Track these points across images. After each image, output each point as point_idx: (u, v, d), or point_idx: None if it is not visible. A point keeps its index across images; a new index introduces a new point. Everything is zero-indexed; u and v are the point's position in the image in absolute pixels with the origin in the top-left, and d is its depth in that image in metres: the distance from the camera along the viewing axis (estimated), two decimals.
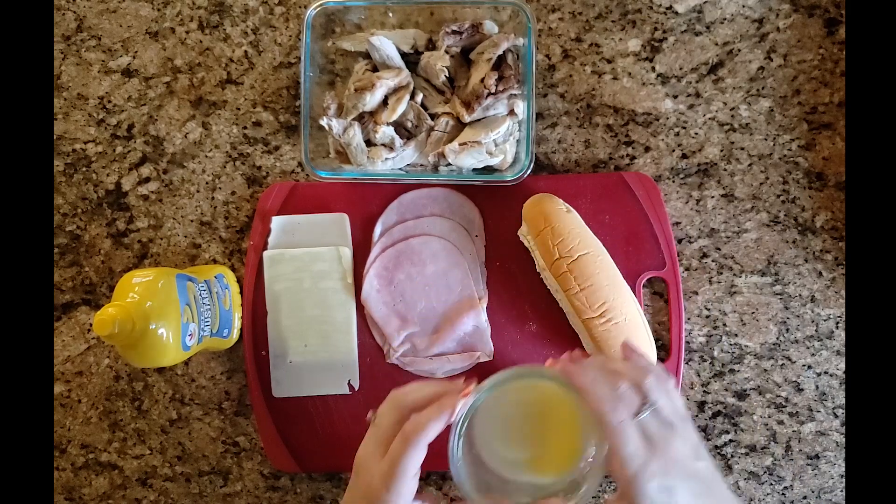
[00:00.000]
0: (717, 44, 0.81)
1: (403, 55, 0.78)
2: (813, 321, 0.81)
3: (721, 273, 0.81)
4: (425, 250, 0.81)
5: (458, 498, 0.50)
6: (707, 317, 0.81)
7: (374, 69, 0.78)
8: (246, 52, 0.84)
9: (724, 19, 0.81)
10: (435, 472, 0.82)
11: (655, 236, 0.80)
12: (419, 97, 0.78)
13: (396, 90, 0.77)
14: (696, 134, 0.81)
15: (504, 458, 0.54)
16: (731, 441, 0.81)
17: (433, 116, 0.78)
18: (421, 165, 0.79)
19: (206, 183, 0.84)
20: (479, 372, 0.80)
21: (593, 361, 0.52)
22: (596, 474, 0.50)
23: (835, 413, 0.81)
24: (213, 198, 0.84)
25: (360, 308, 0.82)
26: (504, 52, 0.75)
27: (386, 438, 0.51)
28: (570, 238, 0.73)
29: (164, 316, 0.67)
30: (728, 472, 0.81)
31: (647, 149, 0.82)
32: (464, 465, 0.51)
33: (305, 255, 0.82)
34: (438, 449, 0.51)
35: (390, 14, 0.78)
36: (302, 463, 0.82)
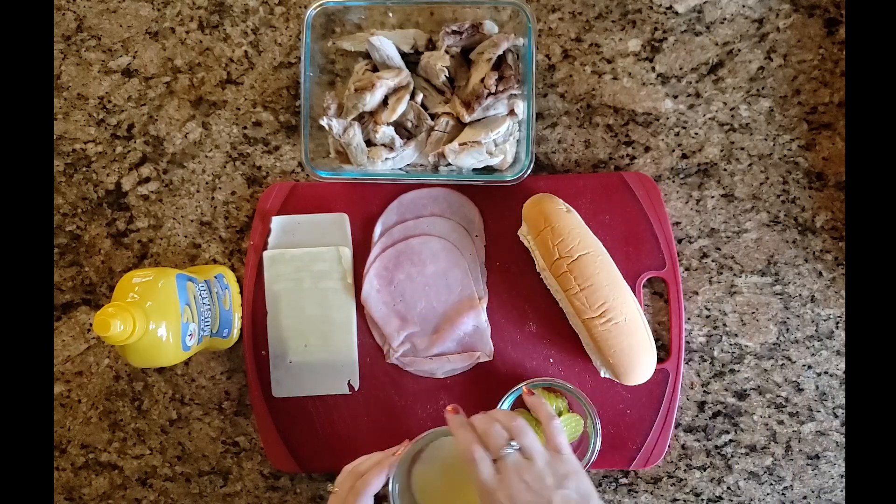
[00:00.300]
0: (717, 44, 0.81)
1: (403, 55, 0.78)
2: (813, 321, 0.81)
3: (721, 273, 0.81)
4: (425, 250, 0.81)
5: None
6: (707, 317, 0.81)
7: (374, 69, 0.78)
8: (246, 52, 0.84)
9: (724, 19, 0.81)
10: None
11: (655, 236, 0.80)
12: (419, 97, 0.78)
13: (396, 90, 0.77)
14: (696, 134, 0.81)
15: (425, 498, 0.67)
16: (731, 441, 0.81)
17: (433, 116, 0.78)
18: (421, 165, 0.79)
19: (206, 183, 0.84)
20: (480, 372, 0.80)
21: (476, 417, 0.63)
22: None
23: (835, 413, 0.81)
24: (213, 198, 0.84)
25: (360, 308, 0.82)
26: (504, 52, 0.75)
27: (344, 499, 0.63)
28: (570, 238, 0.73)
29: (164, 316, 0.67)
30: (728, 472, 0.81)
31: (647, 149, 0.82)
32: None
33: (305, 255, 0.82)
34: None
35: (390, 14, 0.78)
36: (302, 463, 0.82)
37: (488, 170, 0.78)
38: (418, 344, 0.81)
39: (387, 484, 0.64)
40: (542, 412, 0.64)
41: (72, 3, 0.85)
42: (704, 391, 0.81)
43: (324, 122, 0.76)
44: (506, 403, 0.76)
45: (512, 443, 0.59)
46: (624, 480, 0.82)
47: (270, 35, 0.84)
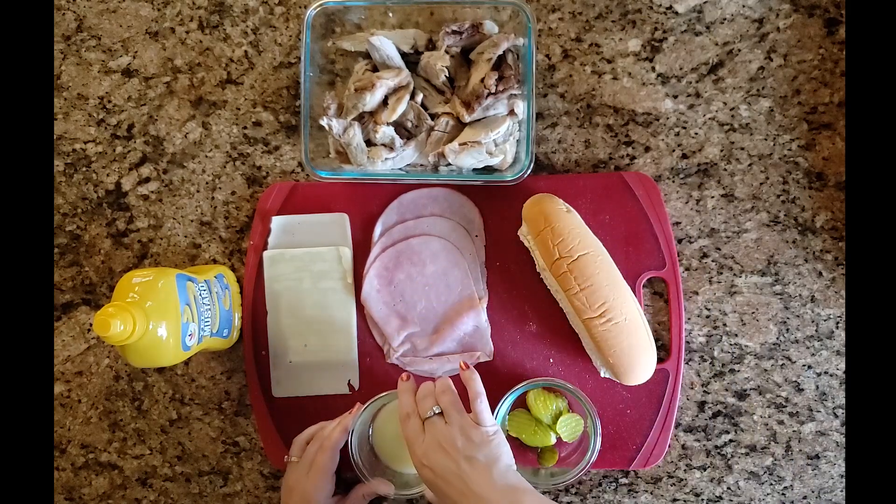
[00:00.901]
0: (717, 44, 0.81)
1: (403, 55, 0.78)
2: (813, 321, 0.81)
3: (721, 273, 0.81)
4: (425, 250, 0.81)
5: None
6: (707, 317, 0.81)
7: (374, 69, 0.78)
8: (246, 52, 0.84)
9: (724, 19, 0.81)
10: None
11: (655, 236, 0.80)
12: (419, 97, 0.78)
13: (396, 90, 0.77)
14: (696, 134, 0.81)
15: (386, 454, 0.79)
16: (731, 441, 0.81)
17: (433, 116, 0.78)
18: (421, 165, 0.79)
19: (206, 183, 0.84)
20: (480, 372, 0.80)
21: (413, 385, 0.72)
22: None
23: (835, 413, 0.81)
24: (213, 198, 0.84)
25: (360, 308, 0.82)
26: (504, 52, 0.75)
27: (312, 460, 0.73)
28: (570, 238, 0.73)
29: (164, 316, 0.67)
30: (728, 472, 0.81)
31: (647, 149, 0.82)
32: (363, 458, 0.76)
33: (305, 255, 0.82)
34: None
35: (390, 14, 0.78)
36: None
37: (488, 170, 0.78)
38: (418, 344, 0.81)
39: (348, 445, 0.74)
40: (471, 388, 0.69)
41: (72, 3, 0.85)
42: (704, 391, 0.81)
43: (324, 122, 0.76)
44: (506, 403, 0.76)
45: (435, 408, 0.68)
46: (624, 480, 0.82)
47: (270, 35, 0.84)
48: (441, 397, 0.69)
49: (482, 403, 0.69)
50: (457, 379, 0.81)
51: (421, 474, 0.66)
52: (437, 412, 0.68)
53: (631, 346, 0.73)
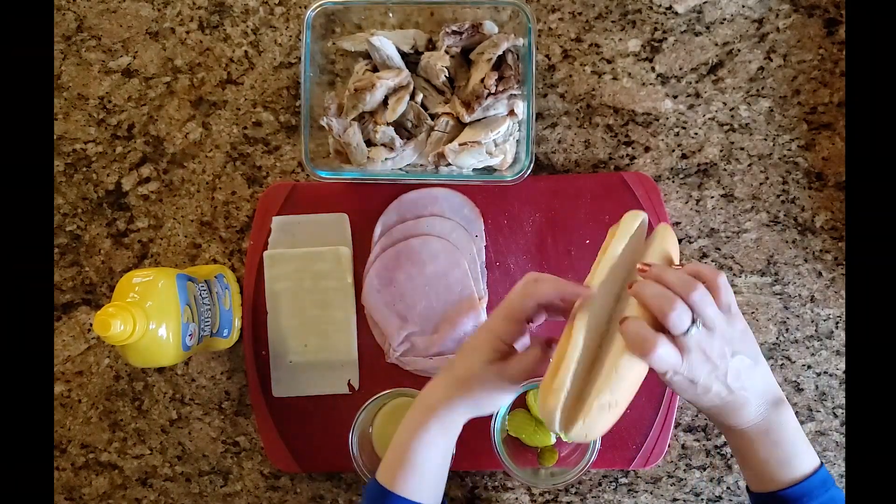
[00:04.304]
0: (716, 44, 0.81)
1: (403, 55, 0.78)
2: (813, 321, 0.81)
3: None
4: (425, 250, 0.81)
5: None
6: None
7: (374, 69, 0.78)
8: (246, 52, 0.84)
9: (724, 19, 0.81)
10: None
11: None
12: (419, 97, 0.78)
13: (396, 90, 0.77)
14: (696, 134, 0.81)
15: (382, 449, 0.78)
16: None
17: (433, 116, 0.78)
18: (421, 165, 0.79)
19: (207, 183, 0.84)
20: None
21: (654, 273, 0.55)
22: None
23: (835, 413, 0.81)
24: (213, 198, 0.84)
25: (360, 308, 0.82)
26: (504, 52, 0.75)
27: (510, 300, 0.61)
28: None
29: (164, 316, 0.67)
30: (728, 472, 0.81)
31: (647, 149, 0.82)
32: (364, 458, 0.75)
33: (305, 255, 0.82)
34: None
35: (390, 14, 0.78)
36: (302, 463, 0.82)
37: (488, 170, 0.78)
38: (418, 344, 0.81)
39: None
40: (709, 273, 0.55)
41: (72, 3, 0.85)
42: None
43: (324, 122, 0.76)
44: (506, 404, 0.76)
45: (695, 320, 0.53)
46: (624, 480, 0.82)
47: (270, 35, 0.84)
48: (697, 302, 0.53)
49: (725, 282, 0.55)
50: None
51: (674, 383, 0.54)
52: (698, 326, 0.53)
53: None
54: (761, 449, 0.59)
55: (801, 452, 0.59)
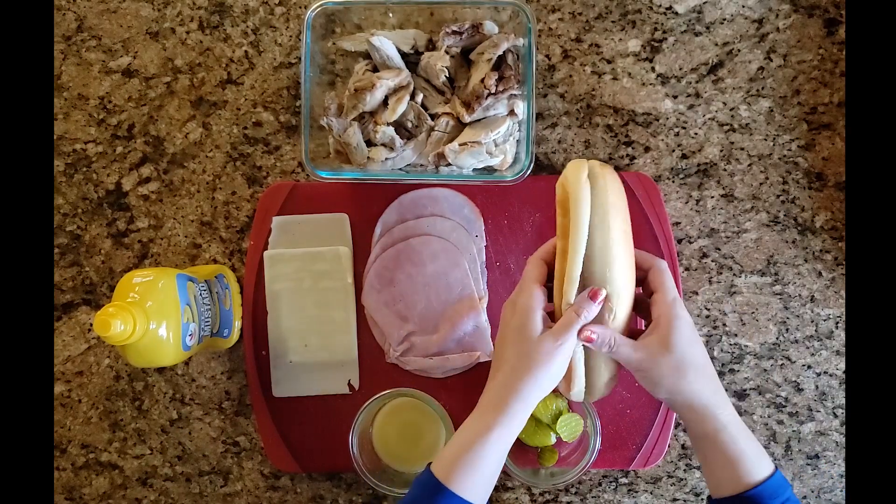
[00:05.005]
0: (716, 44, 0.81)
1: (403, 55, 0.78)
2: (813, 321, 0.81)
3: (721, 273, 0.81)
4: (425, 250, 0.81)
5: None
6: (707, 317, 0.81)
7: (375, 69, 0.78)
8: (246, 52, 0.84)
9: (724, 19, 0.81)
10: None
11: (655, 236, 0.80)
12: (419, 97, 0.78)
13: (396, 90, 0.77)
14: (696, 134, 0.81)
15: (387, 453, 0.81)
16: None
17: (433, 116, 0.78)
18: (421, 165, 0.79)
19: (207, 183, 0.84)
20: (480, 372, 0.80)
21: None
22: None
23: (834, 413, 0.81)
24: (213, 198, 0.84)
25: (360, 308, 0.82)
26: (504, 52, 0.75)
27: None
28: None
29: (165, 316, 0.67)
30: None
31: (647, 149, 0.82)
32: (364, 458, 0.76)
33: (305, 255, 0.82)
34: None
35: (390, 14, 0.78)
36: (302, 463, 0.82)
37: (488, 170, 0.78)
38: (418, 344, 0.81)
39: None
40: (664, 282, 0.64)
41: (72, 3, 0.85)
42: None
43: (324, 122, 0.76)
44: None
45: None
46: (624, 480, 0.82)
47: (271, 35, 0.84)
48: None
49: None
50: (457, 379, 0.81)
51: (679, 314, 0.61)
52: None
53: None
54: (729, 445, 0.60)
55: (760, 453, 0.61)
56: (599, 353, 0.62)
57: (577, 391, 0.63)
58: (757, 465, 0.60)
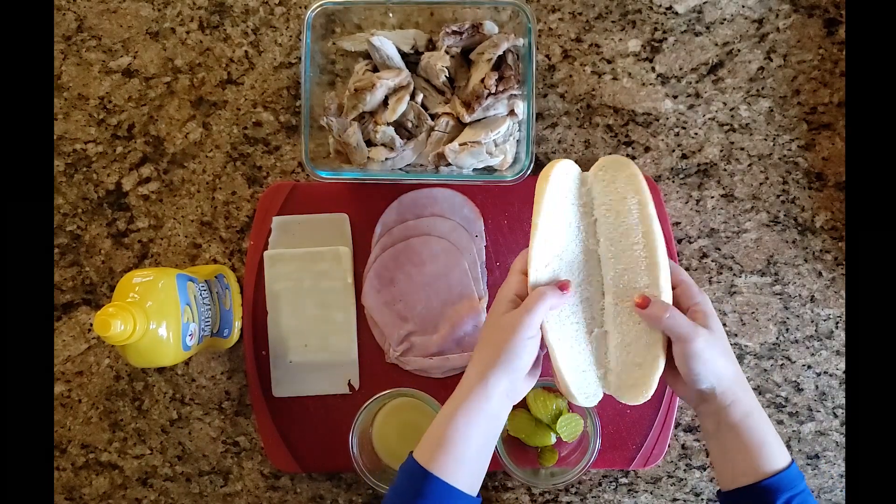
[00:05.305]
0: (716, 44, 0.81)
1: (403, 55, 0.78)
2: (813, 321, 0.81)
3: (721, 273, 0.81)
4: (425, 250, 0.81)
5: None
6: None
7: (375, 69, 0.78)
8: (246, 52, 0.84)
9: (724, 20, 0.81)
10: None
11: None
12: (419, 97, 0.78)
13: (396, 90, 0.77)
14: (696, 134, 0.81)
15: (387, 453, 0.81)
16: None
17: (433, 116, 0.78)
18: (421, 165, 0.79)
19: (207, 183, 0.84)
20: None
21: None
22: None
23: (834, 413, 0.81)
24: (213, 198, 0.84)
25: (360, 308, 0.82)
26: (504, 52, 0.75)
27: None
28: None
29: (165, 316, 0.67)
30: None
31: (647, 149, 0.82)
32: (364, 458, 0.76)
33: (305, 255, 0.82)
34: None
35: (390, 14, 0.78)
36: (302, 463, 0.82)
37: (488, 170, 0.78)
38: (418, 343, 0.81)
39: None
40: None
41: (72, 3, 0.85)
42: None
43: (324, 122, 0.76)
44: None
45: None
46: (624, 480, 0.82)
47: (271, 35, 0.84)
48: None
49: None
50: (457, 379, 0.81)
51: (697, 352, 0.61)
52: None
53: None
54: (755, 432, 0.61)
55: (780, 443, 0.62)
56: (633, 349, 0.63)
57: (575, 395, 0.63)
58: (777, 454, 0.60)
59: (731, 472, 0.62)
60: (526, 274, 0.64)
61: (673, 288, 0.63)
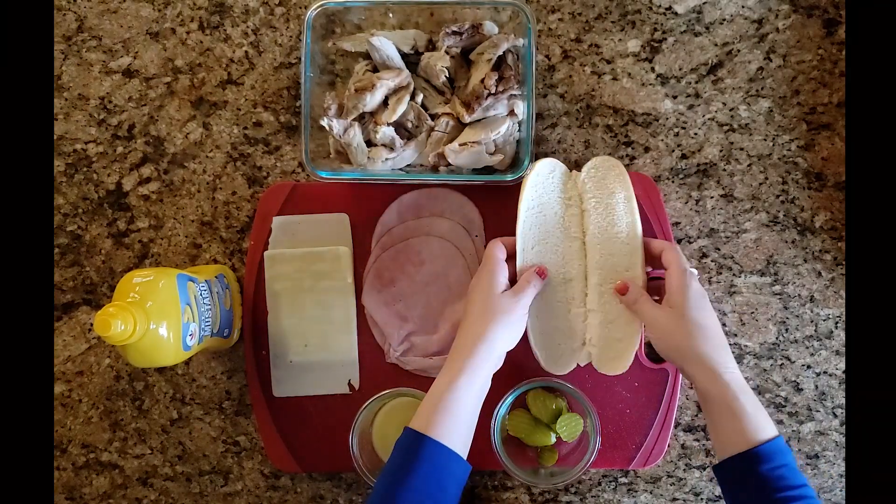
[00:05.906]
0: (716, 44, 0.81)
1: (403, 55, 0.78)
2: (812, 321, 0.81)
3: (720, 273, 0.81)
4: (425, 250, 0.81)
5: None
6: None
7: (375, 69, 0.78)
8: (246, 52, 0.84)
9: (724, 20, 0.81)
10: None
11: (655, 237, 0.80)
12: (419, 97, 0.78)
13: (397, 90, 0.77)
14: (696, 134, 0.82)
15: (387, 453, 0.77)
16: None
17: (433, 117, 0.78)
18: (421, 165, 0.79)
19: (207, 183, 0.84)
20: None
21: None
22: None
23: (834, 413, 0.81)
24: (213, 198, 0.84)
25: (360, 308, 0.82)
26: (504, 52, 0.75)
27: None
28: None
29: (165, 316, 0.67)
30: None
31: (647, 149, 0.82)
32: (364, 458, 0.76)
33: (305, 255, 0.82)
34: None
35: (390, 14, 0.78)
36: (302, 462, 0.82)
37: (488, 170, 0.78)
38: (418, 343, 0.81)
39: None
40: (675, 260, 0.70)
41: (72, 3, 0.85)
42: None
43: (324, 122, 0.76)
44: (505, 403, 0.76)
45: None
46: (624, 480, 0.82)
47: (271, 36, 0.84)
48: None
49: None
50: None
51: (691, 284, 0.67)
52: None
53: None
54: (733, 403, 0.64)
55: (765, 417, 0.64)
56: (615, 325, 0.71)
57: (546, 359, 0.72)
58: (763, 426, 0.63)
59: (722, 440, 0.65)
60: (512, 257, 0.71)
61: (665, 268, 0.69)
